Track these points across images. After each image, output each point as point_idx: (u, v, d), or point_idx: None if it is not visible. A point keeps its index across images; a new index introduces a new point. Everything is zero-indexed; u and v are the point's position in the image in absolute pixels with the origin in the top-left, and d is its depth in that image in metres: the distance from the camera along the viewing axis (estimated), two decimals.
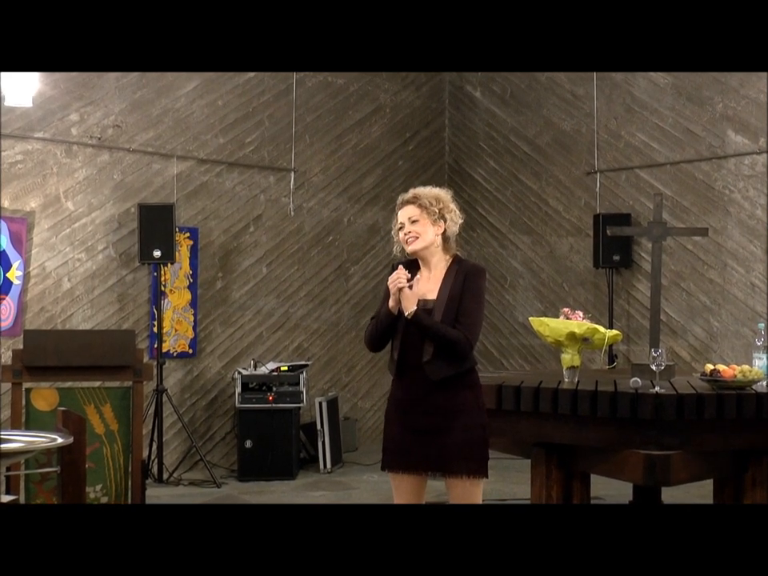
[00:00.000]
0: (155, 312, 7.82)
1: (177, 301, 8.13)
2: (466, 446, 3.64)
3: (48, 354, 5.55)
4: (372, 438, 9.30)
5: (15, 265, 7.20)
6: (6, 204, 7.19)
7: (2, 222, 7.12)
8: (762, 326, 4.68)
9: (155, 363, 7.49)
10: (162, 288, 7.84)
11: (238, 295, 8.56)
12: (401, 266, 3.71)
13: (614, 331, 4.81)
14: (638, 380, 4.21)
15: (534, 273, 9.38)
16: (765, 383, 4.37)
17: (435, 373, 3.63)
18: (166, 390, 7.65)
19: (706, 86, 8.07)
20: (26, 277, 7.31)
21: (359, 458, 8.59)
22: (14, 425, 5.51)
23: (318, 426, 8.13)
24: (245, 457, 7.74)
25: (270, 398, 7.76)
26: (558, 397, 4.27)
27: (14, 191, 7.27)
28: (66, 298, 7.55)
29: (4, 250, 7.14)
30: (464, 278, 3.70)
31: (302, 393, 7.87)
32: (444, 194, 3.79)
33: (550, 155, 9.23)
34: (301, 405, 7.91)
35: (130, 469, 5.67)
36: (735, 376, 4.26)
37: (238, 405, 7.82)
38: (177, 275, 8.13)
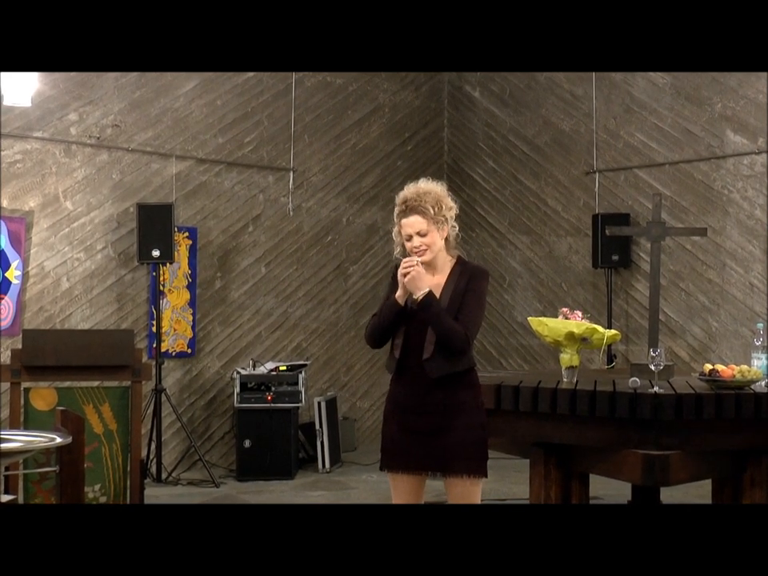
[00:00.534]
0: (154, 312, 7.82)
1: (175, 300, 8.13)
2: (466, 446, 3.64)
3: (47, 354, 5.54)
4: (371, 437, 9.30)
5: (14, 264, 7.20)
6: (4, 203, 7.18)
7: (1, 221, 7.12)
8: (760, 325, 4.68)
9: (154, 363, 7.49)
10: (161, 288, 7.83)
11: (236, 295, 8.56)
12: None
13: (613, 331, 4.81)
14: (637, 380, 4.21)
15: (532, 273, 9.39)
16: (763, 383, 4.37)
17: (434, 370, 3.64)
18: (165, 389, 7.65)
19: (704, 86, 8.07)
20: (25, 276, 7.31)
21: (358, 458, 8.58)
22: (13, 424, 5.51)
23: (317, 426, 8.13)
24: (243, 456, 7.73)
25: (269, 397, 7.76)
26: (556, 397, 4.27)
27: (13, 191, 7.27)
28: (64, 297, 7.55)
29: (3, 250, 7.13)
30: (468, 280, 3.72)
31: (301, 392, 7.87)
32: (441, 191, 3.77)
33: (548, 155, 9.23)
34: (299, 404, 7.91)
35: (128, 468, 5.66)
36: (734, 376, 4.27)
37: (236, 404, 7.82)
38: (175, 275, 8.13)
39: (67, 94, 7.55)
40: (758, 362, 4.52)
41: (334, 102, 9.21)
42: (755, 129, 7.74)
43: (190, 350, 8.23)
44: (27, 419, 5.55)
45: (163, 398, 7.61)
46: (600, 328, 4.58)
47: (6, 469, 4.82)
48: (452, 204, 3.78)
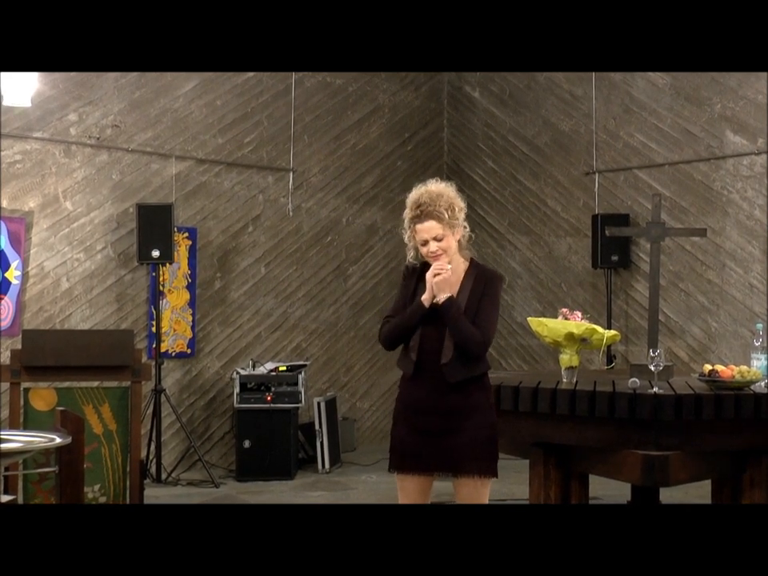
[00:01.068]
0: (154, 312, 7.82)
1: (175, 301, 8.13)
2: (476, 446, 3.63)
3: (46, 354, 5.54)
4: (370, 438, 9.30)
5: (14, 264, 7.20)
6: (4, 204, 7.18)
7: (1, 221, 7.12)
8: (760, 326, 4.68)
9: (153, 363, 7.49)
10: (161, 288, 7.83)
11: (236, 295, 8.56)
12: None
13: (613, 331, 4.81)
14: (637, 380, 4.21)
15: (532, 273, 9.38)
16: (763, 383, 4.38)
17: (453, 375, 3.63)
18: (165, 389, 7.65)
19: (704, 87, 8.07)
20: (25, 276, 7.31)
21: (357, 458, 8.58)
22: (13, 425, 5.51)
23: (317, 426, 8.13)
24: (243, 457, 7.73)
25: (269, 398, 7.76)
26: (556, 397, 4.27)
27: (13, 191, 7.27)
28: (64, 297, 7.55)
29: (2, 250, 7.13)
30: (485, 284, 3.73)
31: (301, 393, 7.87)
32: (452, 192, 3.74)
33: (548, 155, 9.23)
34: (299, 405, 7.91)
35: (128, 469, 5.66)
36: (733, 376, 4.27)
37: (236, 405, 7.82)
38: (175, 275, 8.13)
39: (67, 94, 7.55)
40: (757, 363, 4.52)
41: (334, 103, 9.20)
42: (755, 129, 7.74)
43: (189, 351, 8.23)
44: (27, 419, 5.55)
45: (163, 398, 7.61)
46: (599, 328, 4.58)
47: (6, 469, 4.82)
48: (462, 204, 3.79)
